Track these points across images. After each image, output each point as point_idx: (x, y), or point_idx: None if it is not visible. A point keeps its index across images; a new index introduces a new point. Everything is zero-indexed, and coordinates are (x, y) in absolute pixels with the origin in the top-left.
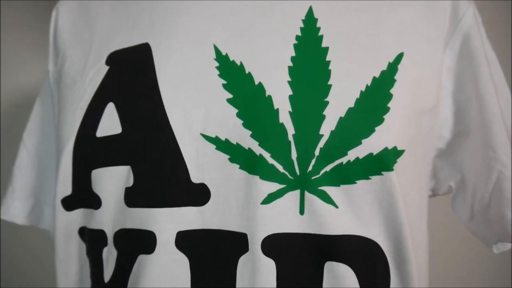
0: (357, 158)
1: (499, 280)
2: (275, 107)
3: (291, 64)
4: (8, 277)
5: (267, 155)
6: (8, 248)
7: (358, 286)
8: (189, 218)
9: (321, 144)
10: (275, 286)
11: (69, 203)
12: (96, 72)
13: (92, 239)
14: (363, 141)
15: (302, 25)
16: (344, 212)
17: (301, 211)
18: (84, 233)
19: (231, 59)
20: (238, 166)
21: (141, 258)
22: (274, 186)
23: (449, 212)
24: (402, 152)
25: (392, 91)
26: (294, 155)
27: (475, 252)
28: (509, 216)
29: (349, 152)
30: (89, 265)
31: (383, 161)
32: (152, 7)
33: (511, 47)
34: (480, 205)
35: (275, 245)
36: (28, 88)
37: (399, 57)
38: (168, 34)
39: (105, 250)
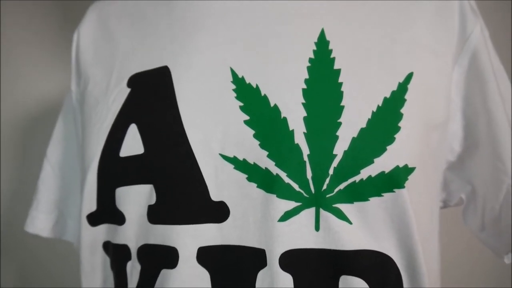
0: (370, 177)
1: (499, 281)
2: (290, 128)
3: (305, 86)
4: (8, 277)
5: (283, 175)
6: (8, 248)
7: None
8: (209, 234)
9: (335, 163)
10: None
11: (94, 219)
12: (119, 93)
13: (116, 254)
14: (375, 160)
15: (315, 48)
16: (358, 228)
17: (317, 228)
18: (108, 247)
19: (247, 82)
20: (255, 185)
21: (164, 272)
22: (291, 204)
23: (450, 214)
24: (413, 169)
25: (402, 110)
26: (309, 174)
27: (475, 253)
28: None
29: (361, 171)
30: (113, 278)
31: (395, 179)
32: (169, 26)
33: (511, 47)
34: (491, 216)
35: (292, 261)
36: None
37: (409, 77)
38: (186, 55)
39: (129, 264)
